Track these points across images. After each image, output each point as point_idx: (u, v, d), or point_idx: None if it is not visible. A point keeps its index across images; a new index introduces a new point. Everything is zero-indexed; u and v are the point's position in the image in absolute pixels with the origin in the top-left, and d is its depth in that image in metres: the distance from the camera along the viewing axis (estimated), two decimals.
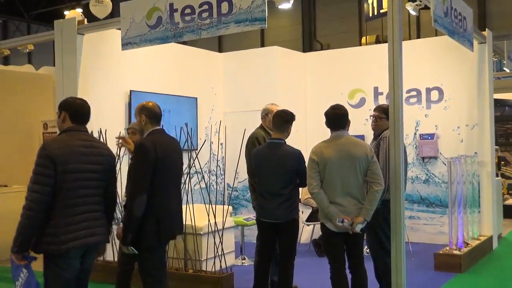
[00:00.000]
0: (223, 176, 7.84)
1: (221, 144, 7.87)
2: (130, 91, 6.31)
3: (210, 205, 5.31)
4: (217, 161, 7.68)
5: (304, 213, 6.62)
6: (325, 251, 3.99)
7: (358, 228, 3.69)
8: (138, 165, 3.45)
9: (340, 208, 3.73)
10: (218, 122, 7.41)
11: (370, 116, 4.61)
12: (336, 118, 3.88)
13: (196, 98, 7.32)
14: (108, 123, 5.89)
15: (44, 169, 3.01)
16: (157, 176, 3.45)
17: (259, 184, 4.27)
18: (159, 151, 3.47)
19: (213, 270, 5.18)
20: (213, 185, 7.63)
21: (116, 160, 3.72)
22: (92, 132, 5.59)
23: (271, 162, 4.12)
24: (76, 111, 3.23)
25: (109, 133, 5.78)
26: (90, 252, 3.24)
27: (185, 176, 5.58)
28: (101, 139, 5.74)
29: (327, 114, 3.91)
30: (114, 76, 6.20)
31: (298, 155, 4.11)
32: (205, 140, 7.29)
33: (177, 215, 3.69)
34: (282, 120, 4.18)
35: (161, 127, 3.70)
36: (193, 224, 5.33)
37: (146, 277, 3.55)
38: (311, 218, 6.69)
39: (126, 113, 6.30)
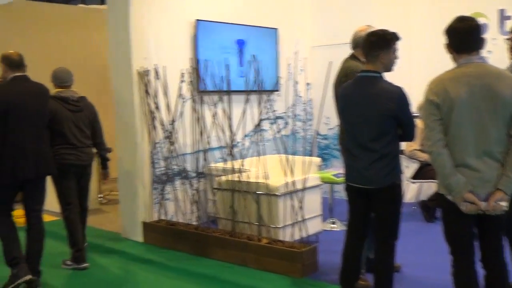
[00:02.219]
0: (311, 122, 6.85)
1: (308, 84, 6.80)
2: (196, 20, 5.25)
3: (290, 159, 4.24)
4: (304, 104, 6.63)
5: (409, 167, 5.33)
6: (445, 237, 2.70)
7: (502, 207, 2.42)
8: None
9: (473, 175, 2.42)
10: (303, 59, 6.38)
11: (507, 39, 3.23)
12: (468, 33, 2.50)
13: (276, 29, 6.12)
14: (170, 59, 4.98)
15: None
16: (9, 118, 3.71)
17: (346, 134, 3.10)
18: (10, 97, 3.75)
19: (292, 240, 4.16)
20: (299, 133, 6.52)
21: None
22: (148, 69, 4.94)
23: (360, 103, 2.91)
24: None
25: (170, 70, 4.88)
26: None
27: (256, 123, 4.58)
28: (161, 77, 4.85)
29: (452, 29, 2.53)
30: (176, 3, 5.16)
31: (398, 94, 2.84)
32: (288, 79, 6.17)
33: (35, 156, 3.80)
34: (373, 43, 2.90)
35: (24, 73, 3.90)
36: (267, 182, 4.32)
37: None
38: (418, 175, 5.39)
39: (191, 47, 5.27)
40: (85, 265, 4.28)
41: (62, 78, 4.50)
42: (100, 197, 7.01)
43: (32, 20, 7.96)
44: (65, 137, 4.33)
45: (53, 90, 4.37)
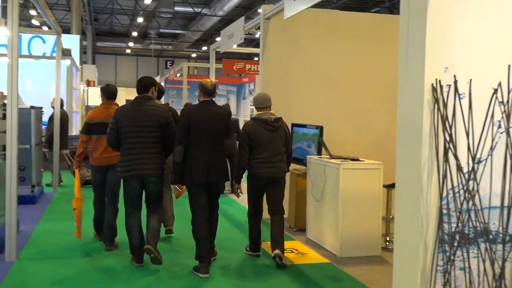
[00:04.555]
0: None
1: None
2: None
3: None
4: None
5: None
6: None
7: None
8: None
9: None
10: None
11: None
12: None
13: None
14: (478, 70, 3.49)
15: None
16: (190, 133, 5.09)
17: None
18: (192, 116, 5.14)
19: None
20: None
21: None
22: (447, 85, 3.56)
23: None
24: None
25: (477, 86, 3.41)
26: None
27: None
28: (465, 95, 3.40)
29: None
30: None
31: None
32: None
33: (207, 164, 5.12)
34: None
35: (210, 99, 5.28)
36: None
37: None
38: None
39: None
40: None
41: (260, 102, 5.72)
42: (387, 241, 6.00)
43: (320, 27, 7.56)
44: (260, 152, 5.50)
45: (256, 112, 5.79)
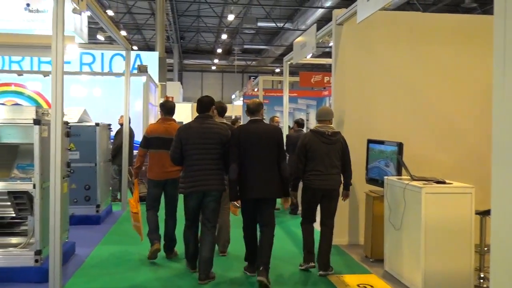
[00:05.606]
0: None
1: None
2: None
3: None
4: None
5: None
6: None
7: None
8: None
9: None
10: None
11: None
12: None
13: None
14: None
15: None
16: (240, 149, 5.40)
17: None
18: (241, 133, 5.45)
19: None
20: None
21: None
22: None
23: None
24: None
25: None
26: None
27: None
28: None
29: None
30: None
31: None
32: None
33: (259, 179, 5.40)
34: None
35: (256, 118, 5.59)
36: None
37: None
38: None
39: None
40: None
41: (321, 115, 5.91)
42: (481, 278, 5.09)
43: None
44: (316, 164, 5.69)
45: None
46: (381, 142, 6.58)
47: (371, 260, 6.46)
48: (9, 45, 11.13)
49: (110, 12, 26.04)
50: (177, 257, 6.43)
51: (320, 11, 22.60)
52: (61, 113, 5.10)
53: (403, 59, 7.28)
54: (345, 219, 7.29)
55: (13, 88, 14.65)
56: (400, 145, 6.14)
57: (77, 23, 15.15)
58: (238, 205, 5.71)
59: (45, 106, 14.50)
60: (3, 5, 11.25)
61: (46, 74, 13.85)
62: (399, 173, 6.12)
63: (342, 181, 6.01)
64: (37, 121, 5.29)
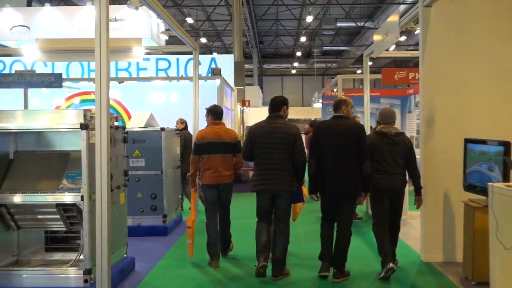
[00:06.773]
0: None
1: None
2: None
3: None
4: None
5: None
6: None
7: None
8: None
9: None
10: None
11: None
12: None
13: None
14: None
15: None
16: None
17: None
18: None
19: None
20: None
21: None
22: None
23: None
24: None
25: None
26: None
27: None
28: None
29: None
30: None
31: None
32: None
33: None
34: None
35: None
36: None
37: None
38: None
39: None
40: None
41: (384, 117, 5.92)
42: None
43: None
44: (380, 164, 5.69)
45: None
46: (482, 142, 5.54)
47: (472, 283, 5.42)
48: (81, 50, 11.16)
49: (189, 20, 26.12)
50: (239, 262, 6.37)
51: (402, 7, 21.27)
52: (107, 117, 4.58)
53: (507, 41, 6.18)
54: (439, 232, 6.31)
55: (92, 96, 14.75)
56: (507, 145, 5.12)
57: (153, 29, 15.05)
58: (316, 199, 5.72)
59: (123, 114, 14.49)
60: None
61: (121, 81, 13.81)
62: (506, 178, 5.08)
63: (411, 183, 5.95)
64: (84, 126, 4.79)
